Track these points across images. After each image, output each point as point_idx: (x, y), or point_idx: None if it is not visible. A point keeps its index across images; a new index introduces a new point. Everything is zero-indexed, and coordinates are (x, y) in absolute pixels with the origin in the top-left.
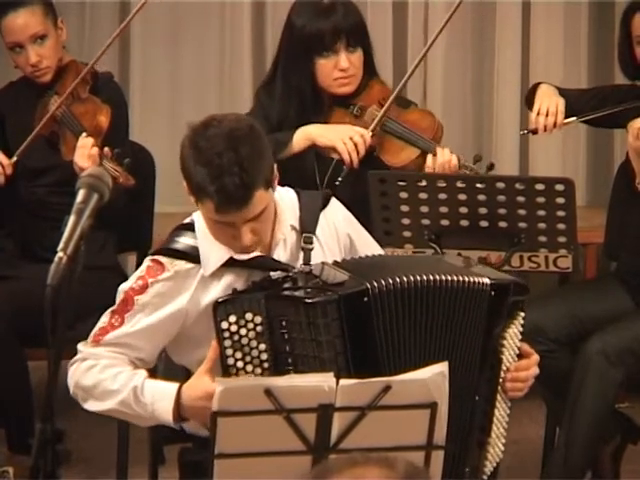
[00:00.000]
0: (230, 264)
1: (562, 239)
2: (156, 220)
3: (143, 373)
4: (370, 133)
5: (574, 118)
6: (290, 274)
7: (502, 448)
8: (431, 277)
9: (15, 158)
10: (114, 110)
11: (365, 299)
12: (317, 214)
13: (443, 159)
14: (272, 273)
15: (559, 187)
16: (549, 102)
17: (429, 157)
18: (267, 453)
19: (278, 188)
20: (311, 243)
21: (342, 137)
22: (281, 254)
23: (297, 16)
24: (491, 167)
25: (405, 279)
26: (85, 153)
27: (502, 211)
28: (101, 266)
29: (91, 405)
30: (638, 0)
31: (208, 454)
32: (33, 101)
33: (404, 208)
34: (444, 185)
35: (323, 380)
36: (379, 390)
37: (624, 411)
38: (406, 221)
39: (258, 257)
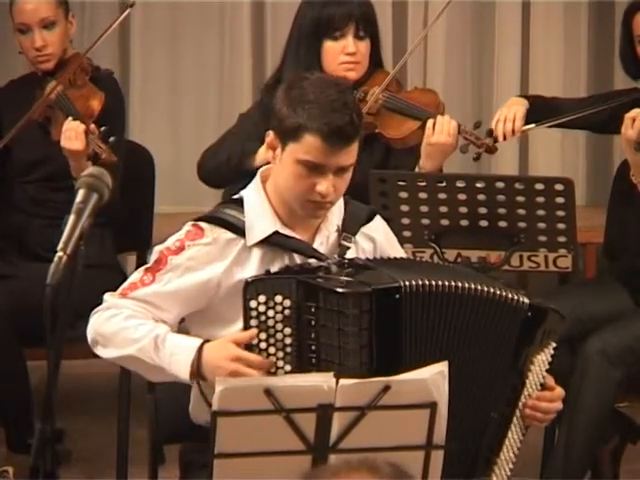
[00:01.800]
0: (271, 242)
1: (562, 239)
2: (156, 220)
3: (166, 327)
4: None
5: (533, 125)
6: (324, 264)
7: (508, 473)
8: (466, 284)
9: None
10: (109, 99)
11: (397, 296)
12: (359, 225)
13: (442, 122)
14: (308, 261)
15: (559, 187)
16: (508, 111)
17: (429, 121)
18: (267, 453)
19: None
20: (349, 242)
21: None
22: (321, 250)
23: (309, 5)
24: (490, 134)
25: (439, 282)
26: (72, 135)
27: (502, 211)
28: (100, 264)
29: (109, 352)
30: (639, 0)
31: (208, 452)
32: (33, 96)
33: (404, 208)
34: (444, 185)
35: (323, 380)
36: (379, 390)
37: (624, 411)
38: (406, 221)
39: (299, 240)
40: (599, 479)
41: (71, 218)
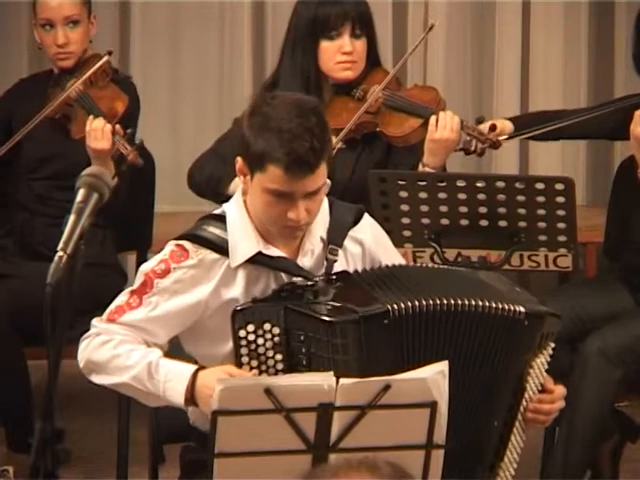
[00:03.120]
0: (256, 262)
1: (562, 238)
2: (156, 220)
3: (159, 352)
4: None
5: (505, 137)
6: (311, 283)
7: (513, 473)
8: (459, 301)
9: None
10: (131, 103)
11: (385, 321)
12: (346, 230)
13: (445, 118)
14: (294, 279)
15: (559, 186)
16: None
17: (432, 118)
18: (267, 452)
19: None
20: (336, 255)
21: None
22: (306, 263)
23: (305, 5)
24: (492, 128)
25: (430, 302)
26: (98, 135)
27: (502, 210)
28: (101, 264)
29: (103, 379)
30: None
31: (208, 453)
32: (45, 93)
33: (404, 207)
34: (444, 184)
35: (323, 379)
36: (379, 389)
37: (623, 410)
38: (406, 220)
39: (283, 259)
40: (599, 478)
41: (71, 218)
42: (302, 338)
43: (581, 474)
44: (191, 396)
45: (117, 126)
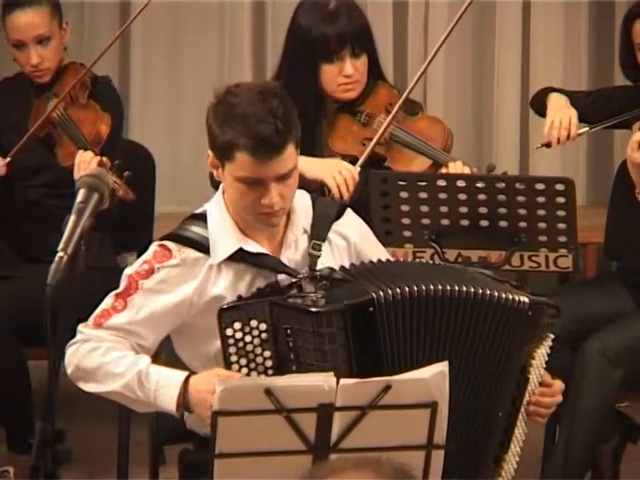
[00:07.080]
0: (238, 259)
1: (562, 239)
2: (156, 220)
3: (147, 359)
4: (358, 169)
5: (586, 129)
6: (295, 280)
7: (515, 466)
8: (456, 288)
9: (9, 159)
10: (113, 119)
11: (371, 309)
12: (329, 224)
13: (456, 172)
14: (279, 277)
15: (559, 186)
16: (562, 115)
17: (443, 170)
18: (267, 453)
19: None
20: (319, 250)
21: (331, 171)
22: (291, 256)
23: (302, 19)
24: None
25: (421, 288)
26: (86, 167)
27: (502, 210)
28: (99, 267)
29: (92, 387)
30: (638, 7)
31: (208, 454)
32: (28, 100)
33: (404, 208)
34: (444, 185)
35: (323, 380)
36: (379, 389)
37: (624, 410)
38: (406, 221)
39: (266, 255)
40: (599, 478)
41: (72, 218)
42: (289, 332)
43: (581, 474)
44: (183, 401)
45: (104, 159)
